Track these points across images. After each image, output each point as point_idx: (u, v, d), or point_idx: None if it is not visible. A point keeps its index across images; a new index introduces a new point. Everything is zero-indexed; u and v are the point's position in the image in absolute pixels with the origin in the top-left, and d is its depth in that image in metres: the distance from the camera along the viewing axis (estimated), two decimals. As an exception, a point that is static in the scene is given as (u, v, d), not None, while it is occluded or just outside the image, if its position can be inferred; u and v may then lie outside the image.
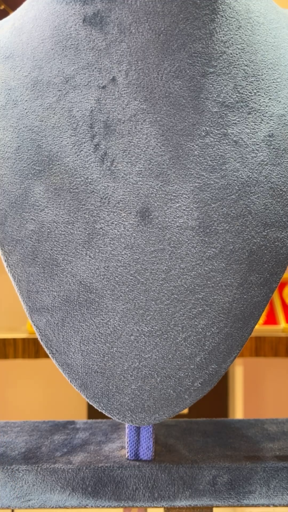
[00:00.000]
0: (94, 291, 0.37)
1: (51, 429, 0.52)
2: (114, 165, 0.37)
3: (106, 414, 0.40)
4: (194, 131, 0.37)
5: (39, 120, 0.38)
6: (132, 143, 0.37)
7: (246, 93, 0.38)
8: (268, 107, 0.38)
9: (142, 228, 0.37)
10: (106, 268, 0.37)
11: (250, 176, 0.38)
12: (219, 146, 0.38)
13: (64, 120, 0.38)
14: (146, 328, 0.38)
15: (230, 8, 0.38)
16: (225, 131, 0.38)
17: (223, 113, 0.38)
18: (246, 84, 0.38)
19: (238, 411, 1.18)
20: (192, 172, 0.37)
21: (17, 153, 0.38)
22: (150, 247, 0.37)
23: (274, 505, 0.44)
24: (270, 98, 0.38)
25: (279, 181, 0.38)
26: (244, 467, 0.44)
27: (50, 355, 0.40)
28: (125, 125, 0.37)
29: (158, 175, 0.37)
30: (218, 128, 0.38)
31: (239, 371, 1.18)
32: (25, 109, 0.38)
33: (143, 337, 0.38)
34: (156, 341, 0.38)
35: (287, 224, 0.38)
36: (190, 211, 0.37)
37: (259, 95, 0.38)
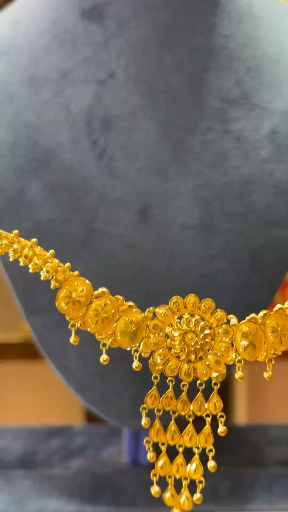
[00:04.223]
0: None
1: (48, 433, 0.51)
2: (112, 162, 0.36)
3: (105, 419, 0.39)
4: (195, 128, 0.37)
5: (36, 116, 0.37)
6: (131, 140, 0.36)
7: (248, 89, 0.37)
8: (270, 103, 0.38)
9: (141, 227, 0.36)
10: (104, 268, 0.36)
11: (253, 173, 0.37)
12: (220, 142, 0.37)
13: (61, 116, 0.37)
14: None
15: (231, 2, 0.37)
16: (227, 127, 0.37)
17: (224, 109, 0.37)
18: (248, 79, 0.37)
19: (241, 415, 1.17)
20: (193, 169, 0.36)
21: (13, 150, 0.37)
22: (149, 246, 0.36)
23: (277, 510, 0.43)
24: (272, 94, 0.38)
25: (282, 179, 0.37)
26: (246, 472, 0.44)
27: (47, 358, 0.39)
28: (124, 121, 0.36)
29: (158, 172, 0.36)
30: (220, 124, 0.37)
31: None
32: (21, 105, 0.37)
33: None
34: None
35: (290, 223, 0.37)
36: (191, 209, 0.36)
37: (261, 90, 0.38)
